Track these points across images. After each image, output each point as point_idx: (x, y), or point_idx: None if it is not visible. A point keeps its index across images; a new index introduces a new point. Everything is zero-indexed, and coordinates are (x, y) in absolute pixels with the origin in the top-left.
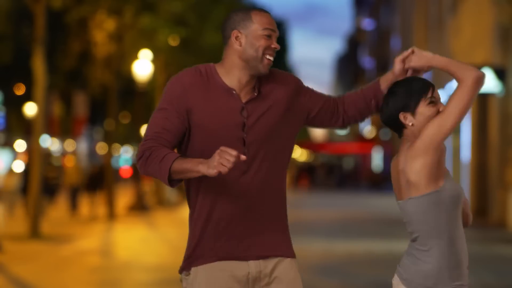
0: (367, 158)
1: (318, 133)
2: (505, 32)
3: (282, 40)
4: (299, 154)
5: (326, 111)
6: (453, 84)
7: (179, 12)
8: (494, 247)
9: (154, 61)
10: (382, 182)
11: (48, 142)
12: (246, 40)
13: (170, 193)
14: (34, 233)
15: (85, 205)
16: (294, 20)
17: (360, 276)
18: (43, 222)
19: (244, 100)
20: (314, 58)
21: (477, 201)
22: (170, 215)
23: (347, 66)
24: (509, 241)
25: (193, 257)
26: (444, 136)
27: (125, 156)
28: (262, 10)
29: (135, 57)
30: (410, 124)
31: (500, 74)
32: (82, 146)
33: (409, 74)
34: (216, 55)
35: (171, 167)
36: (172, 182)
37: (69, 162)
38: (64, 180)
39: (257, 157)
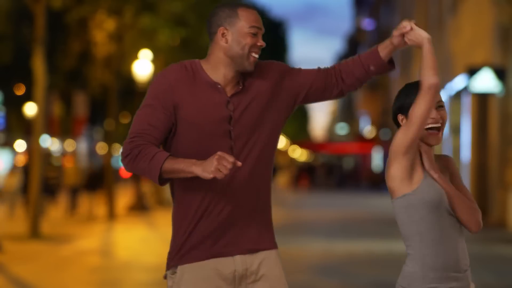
0: (367, 158)
1: (318, 133)
2: (505, 32)
3: (282, 40)
4: (299, 154)
5: (318, 87)
6: (453, 84)
7: (179, 12)
8: (494, 247)
9: (154, 61)
10: (382, 182)
11: (48, 142)
12: (232, 38)
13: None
14: (34, 233)
15: (84, 205)
16: (294, 20)
17: (360, 276)
18: (43, 222)
19: (229, 94)
20: (314, 58)
21: (477, 201)
22: (170, 215)
23: None
24: (509, 241)
25: (179, 255)
26: (409, 142)
27: None
28: (249, 7)
29: (135, 57)
30: None
31: (500, 74)
32: (82, 146)
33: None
34: None
35: (162, 166)
36: (162, 181)
37: (68, 163)
38: (64, 180)
39: (244, 150)
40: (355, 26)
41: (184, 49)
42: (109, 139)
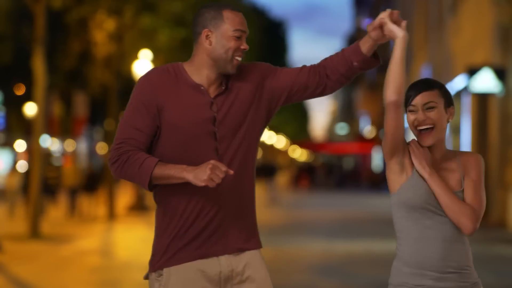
0: (367, 158)
1: (318, 133)
2: (505, 32)
3: (282, 40)
4: (299, 154)
5: (299, 87)
6: (453, 84)
7: (179, 12)
8: (494, 247)
9: (154, 61)
10: (382, 182)
11: (48, 142)
12: (216, 40)
13: None
14: (34, 233)
15: (83, 206)
16: (294, 20)
17: (360, 276)
18: (43, 222)
19: (212, 95)
20: (314, 58)
21: None
22: None
23: None
24: (509, 241)
25: (165, 257)
26: (389, 150)
27: None
28: (234, 9)
29: (135, 57)
30: None
31: (500, 74)
32: (82, 146)
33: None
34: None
35: (152, 172)
36: (151, 186)
37: (67, 163)
38: (63, 180)
39: (228, 151)
40: (355, 26)
41: (184, 49)
42: (109, 139)
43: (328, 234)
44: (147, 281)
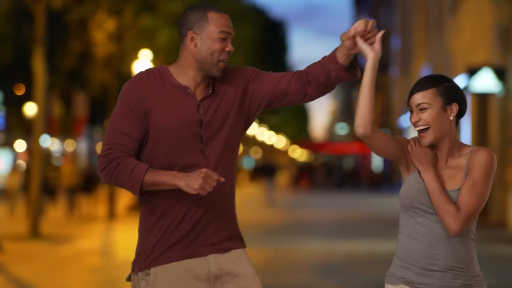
0: (367, 158)
1: (318, 133)
2: (505, 32)
3: (282, 40)
4: (299, 154)
5: (279, 93)
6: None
7: (179, 12)
8: (494, 247)
9: (154, 61)
10: (382, 182)
11: (48, 142)
12: (201, 42)
13: None
14: (34, 233)
15: (82, 205)
16: (294, 20)
17: (360, 276)
18: (43, 222)
19: (199, 97)
20: (314, 58)
21: None
22: None
23: None
24: (509, 241)
25: (152, 257)
26: (389, 158)
27: None
28: (219, 11)
29: (135, 57)
30: None
31: (500, 74)
32: (82, 146)
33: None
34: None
35: (143, 179)
36: (141, 193)
37: (65, 163)
38: (60, 180)
39: (214, 153)
40: None
41: None
42: None
43: (328, 234)
44: None
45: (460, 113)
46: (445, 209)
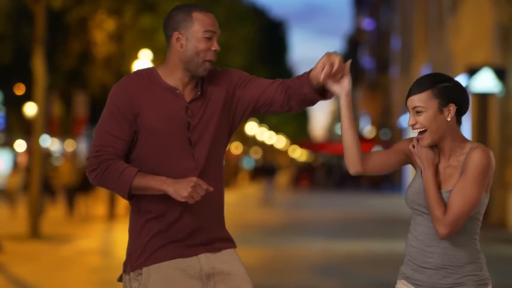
0: None
1: (318, 133)
2: (505, 32)
3: (282, 40)
4: (299, 154)
5: (265, 101)
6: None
7: None
8: (494, 247)
9: (154, 61)
10: (382, 182)
11: (48, 142)
12: (187, 43)
13: None
14: (34, 233)
15: (80, 204)
16: (294, 20)
17: (360, 276)
18: (43, 222)
19: (187, 99)
20: (314, 58)
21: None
22: None
23: None
24: (509, 241)
25: (144, 257)
26: None
27: None
28: (204, 10)
29: (135, 57)
30: None
31: (500, 74)
32: (82, 146)
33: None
34: (216, 55)
35: (131, 183)
36: (130, 196)
37: (63, 162)
38: (58, 179)
39: (202, 156)
40: (355, 26)
41: None
42: None
43: (328, 234)
44: None
45: (460, 112)
46: (433, 212)
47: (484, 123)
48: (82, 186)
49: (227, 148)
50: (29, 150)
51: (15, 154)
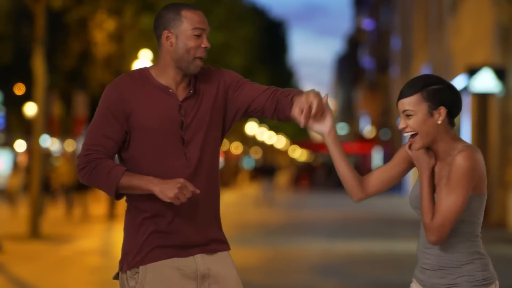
0: (367, 158)
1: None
2: (505, 32)
3: (282, 40)
4: (299, 154)
5: (257, 107)
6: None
7: None
8: (494, 247)
9: (154, 61)
10: None
11: (48, 142)
12: (177, 41)
13: None
14: (34, 233)
15: (78, 205)
16: (294, 20)
17: (360, 276)
18: (43, 222)
19: (180, 98)
20: (314, 58)
21: None
22: None
23: (347, 66)
24: (509, 241)
25: (140, 255)
26: None
27: None
28: (193, 8)
29: (135, 57)
30: None
31: (500, 74)
32: (82, 146)
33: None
34: (216, 55)
35: (118, 182)
36: (117, 195)
37: (61, 162)
38: (56, 179)
39: (195, 155)
40: (355, 26)
41: None
42: None
43: (328, 234)
44: None
45: (451, 114)
46: (423, 219)
47: (484, 123)
48: (80, 186)
49: (227, 148)
50: (29, 150)
51: (15, 154)
